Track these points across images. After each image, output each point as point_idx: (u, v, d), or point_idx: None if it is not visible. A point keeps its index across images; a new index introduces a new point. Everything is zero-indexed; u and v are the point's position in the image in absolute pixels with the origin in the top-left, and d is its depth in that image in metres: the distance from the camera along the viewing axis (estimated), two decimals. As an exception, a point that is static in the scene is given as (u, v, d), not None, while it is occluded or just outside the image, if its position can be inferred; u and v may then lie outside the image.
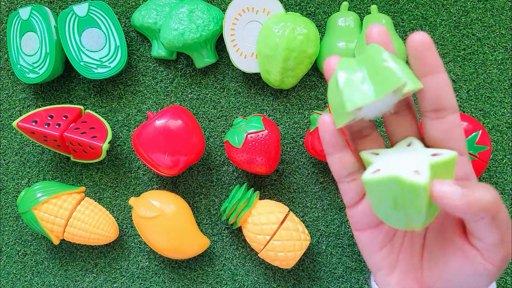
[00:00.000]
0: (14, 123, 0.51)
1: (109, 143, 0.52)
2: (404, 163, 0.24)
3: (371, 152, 0.28)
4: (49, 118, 0.52)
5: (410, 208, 0.24)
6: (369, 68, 0.25)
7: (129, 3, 0.57)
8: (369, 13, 0.55)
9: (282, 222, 0.51)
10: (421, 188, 0.22)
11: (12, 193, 0.57)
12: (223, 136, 0.56)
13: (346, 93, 0.25)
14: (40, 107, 0.57)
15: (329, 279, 0.56)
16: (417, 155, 0.25)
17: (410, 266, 0.30)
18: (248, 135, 0.50)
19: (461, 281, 0.27)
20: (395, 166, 0.24)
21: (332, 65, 0.27)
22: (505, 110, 0.55)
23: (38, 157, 0.57)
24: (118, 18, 0.57)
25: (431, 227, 0.29)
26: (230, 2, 0.55)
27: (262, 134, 0.50)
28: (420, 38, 0.25)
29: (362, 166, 0.29)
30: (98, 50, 0.54)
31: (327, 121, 0.27)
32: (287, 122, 0.56)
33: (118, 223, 0.57)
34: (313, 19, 0.56)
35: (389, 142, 0.30)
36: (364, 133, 0.29)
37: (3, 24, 0.58)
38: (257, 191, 0.53)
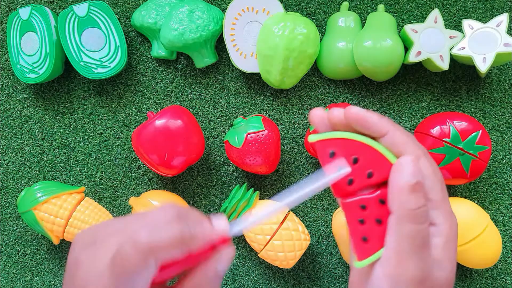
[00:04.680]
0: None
1: None
2: None
3: None
4: None
5: None
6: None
7: (129, 3, 0.57)
8: (375, 10, 0.55)
9: (282, 222, 0.51)
10: None
11: (12, 193, 0.57)
12: (223, 136, 0.56)
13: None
14: (40, 107, 0.57)
15: (329, 279, 0.56)
16: None
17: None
18: (248, 135, 0.50)
19: None
20: None
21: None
22: (505, 110, 0.55)
23: (38, 157, 0.57)
24: (118, 18, 0.57)
25: None
26: (230, 2, 0.55)
27: (262, 134, 0.50)
28: (346, 115, 0.27)
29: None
30: (98, 50, 0.54)
31: (315, 110, 0.29)
32: (287, 122, 0.56)
33: (118, 223, 0.57)
34: (313, 19, 0.56)
35: None
36: None
37: (3, 24, 0.58)
38: (257, 191, 0.53)
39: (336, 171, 0.28)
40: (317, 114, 0.29)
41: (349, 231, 0.29)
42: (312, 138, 0.29)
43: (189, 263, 0.28)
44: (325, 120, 0.29)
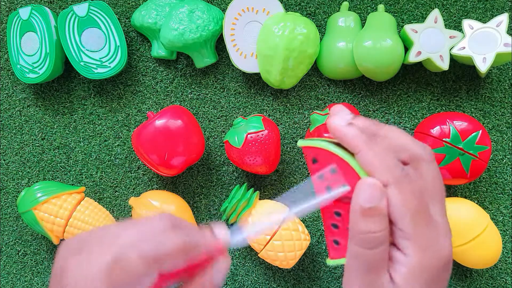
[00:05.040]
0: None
1: None
2: None
3: None
4: None
5: None
6: None
7: (129, 3, 0.57)
8: (375, 10, 0.55)
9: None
10: None
11: (12, 193, 0.57)
12: (223, 136, 0.56)
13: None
14: (40, 107, 0.57)
15: (329, 279, 0.56)
16: None
17: None
18: (248, 135, 0.50)
19: None
20: None
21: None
22: (505, 110, 0.55)
23: (38, 157, 0.57)
24: (118, 18, 0.57)
25: None
26: (230, 2, 0.55)
27: (262, 134, 0.50)
28: (331, 127, 0.27)
29: None
30: (98, 50, 0.54)
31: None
32: (287, 122, 0.56)
33: (118, 223, 0.57)
34: (313, 19, 0.56)
35: None
36: None
37: (3, 24, 0.58)
38: (257, 191, 0.53)
39: (323, 182, 0.29)
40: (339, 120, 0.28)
41: (325, 231, 0.29)
42: (300, 143, 0.30)
43: (187, 272, 0.29)
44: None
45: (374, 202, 0.25)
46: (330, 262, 0.29)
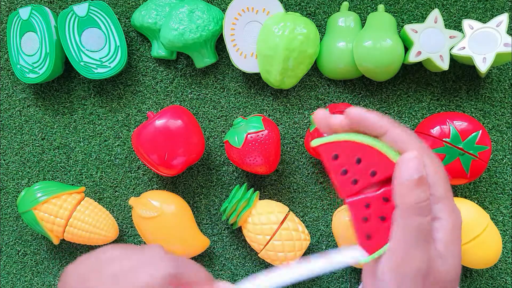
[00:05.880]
0: None
1: None
2: None
3: None
4: None
5: None
6: None
7: (129, 3, 0.57)
8: (375, 10, 0.55)
9: (282, 222, 0.51)
10: None
11: (12, 193, 0.58)
12: (223, 136, 0.56)
13: None
14: (40, 107, 0.57)
15: (329, 279, 0.56)
16: None
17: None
18: (248, 135, 0.50)
19: None
20: None
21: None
22: (505, 110, 0.55)
23: (38, 157, 0.57)
24: (118, 18, 0.57)
25: None
26: (230, 2, 0.55)
27: (262, 134, 0.50)
28: (347, 116, 0.29)
29: None
30: (98, 50, 0.54)
31: (319, 111, 0.30)
32: (287, 122, 0.56)
33: (118, 223, 0.57)
34: (313, 19, 0.56)
35: None
36: None
37: (3, 24, 0.58)
38: (257, 191, 0.53)
39: (341, 178, 0.29)
40: (320, 115, 0.30)
41: (354, 229, 0.30)
42: (315, 143, 0.30)
43: None
44: (328, 119, 0.30)
45: (421, 172, 0.27)
46: (368, 258, 0.29)
